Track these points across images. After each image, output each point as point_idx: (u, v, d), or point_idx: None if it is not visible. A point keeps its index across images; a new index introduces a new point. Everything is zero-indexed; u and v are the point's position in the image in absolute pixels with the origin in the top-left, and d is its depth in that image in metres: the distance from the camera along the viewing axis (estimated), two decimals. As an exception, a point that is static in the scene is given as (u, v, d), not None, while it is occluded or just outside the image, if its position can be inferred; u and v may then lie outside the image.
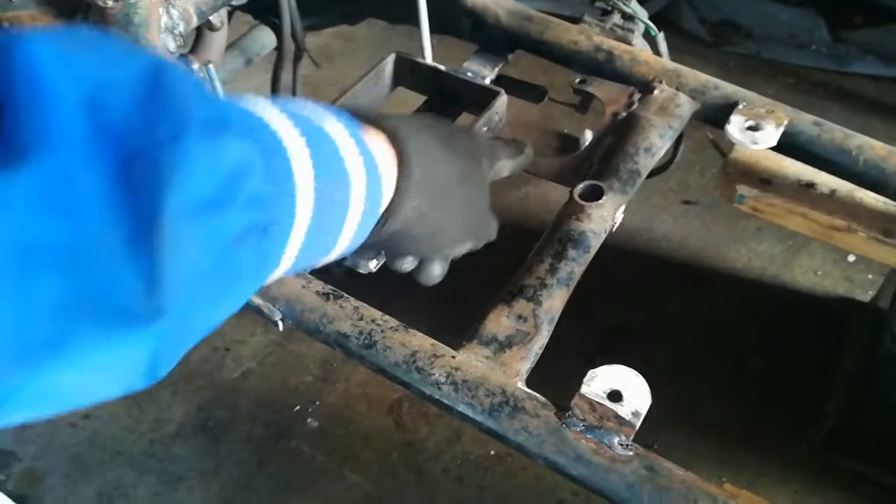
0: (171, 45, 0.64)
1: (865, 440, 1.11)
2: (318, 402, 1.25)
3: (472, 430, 0.73)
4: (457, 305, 1.36)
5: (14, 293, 0.27)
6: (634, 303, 1.35)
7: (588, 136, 1.65)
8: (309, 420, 1.23)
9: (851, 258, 1.40)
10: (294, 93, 1.25)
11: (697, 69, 1.88)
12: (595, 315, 1.30)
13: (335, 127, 0.45)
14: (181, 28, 0.65)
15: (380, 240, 0.51)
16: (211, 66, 0.68)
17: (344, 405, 1.24)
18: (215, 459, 1.21)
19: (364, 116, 0.50)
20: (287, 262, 0.42)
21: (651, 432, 0.63)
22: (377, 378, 0.74)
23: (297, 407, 1.25)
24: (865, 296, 1.34)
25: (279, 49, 1.19)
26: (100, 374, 0.32)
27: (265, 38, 1.17)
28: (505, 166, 0.67)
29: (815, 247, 1.42)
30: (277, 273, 0.42)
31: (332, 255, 0.48)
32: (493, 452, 1.18)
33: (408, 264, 0.60)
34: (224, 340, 1.34)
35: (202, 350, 1.33)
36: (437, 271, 0.62)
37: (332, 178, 0.43)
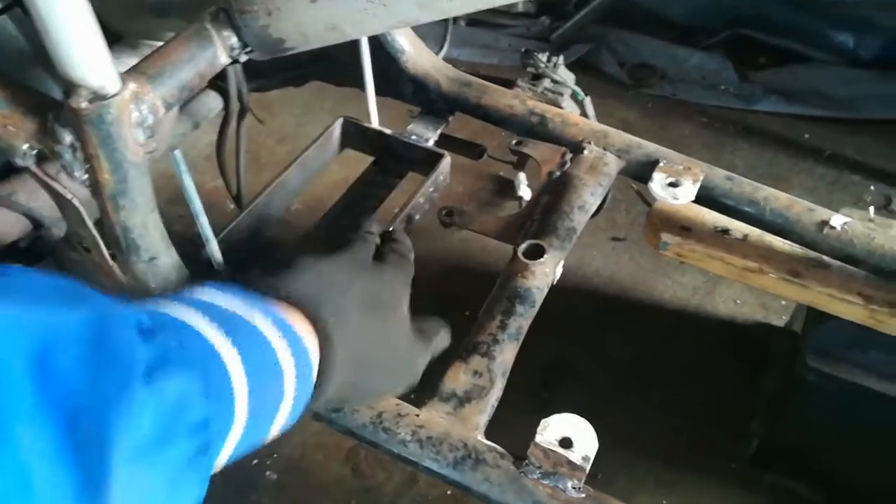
0: (142, 138, 0.68)
1: (788, 457, 1.22)
2: (275, 455, 1.27)
3: (428, 473, 0.77)
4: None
5: None
6: (572, 338, 1.43)
7: (522, 178, 1.74)
8: (268, 473, 1.25)
9: (766, 286, 1.53)
10: (238, 147, 1.29)
11: (619, 111, 2.02)
12: (536, 352, 1.37)
13: (264, 322, 0.47)
14: (150, 121, 0.68)
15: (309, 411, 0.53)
16: (178, 152, 0.72)
17: (301, 456, 1.27)
18: (174, 518, 1.22)
19: (285, 293, 0.51)
20: (222, 461, 0.44)
21: (594, 464, 0.69)
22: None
23: (255, 461, 1.27)
24: (780, 321, 1.46)
25: (225, 111, 1.23)
26: None
27: (212, 102, 1.20)
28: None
29: (727, 277, 1.54)
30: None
31: (265, 441, 0.50)
32: (449, 492, 1.23)
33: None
34: (177, 397, 1.35)
35: (156, 408, 1.33)
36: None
37: (266, 377, 0.46)
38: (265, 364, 0.46)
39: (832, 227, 0.92)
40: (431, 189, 1.03)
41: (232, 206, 1.26)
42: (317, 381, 0.51)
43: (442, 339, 0.69)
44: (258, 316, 0.48)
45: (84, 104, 0.63)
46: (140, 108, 0.67)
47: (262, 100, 1.70)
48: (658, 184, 0.95)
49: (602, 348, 1.43)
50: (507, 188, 1.75)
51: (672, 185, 0.95)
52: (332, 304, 0.53)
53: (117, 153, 0.66)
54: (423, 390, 0.76)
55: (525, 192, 1.73)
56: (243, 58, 0.78)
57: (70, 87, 0.63)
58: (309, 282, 0.54)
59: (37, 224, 0.94)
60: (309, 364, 0.50)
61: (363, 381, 0.57)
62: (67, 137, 0.66)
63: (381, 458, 1.25)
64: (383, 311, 0.60)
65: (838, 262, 0.92)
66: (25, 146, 0.68)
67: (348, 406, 0.65)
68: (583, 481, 0.68)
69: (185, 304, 0.45)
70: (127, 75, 0.67)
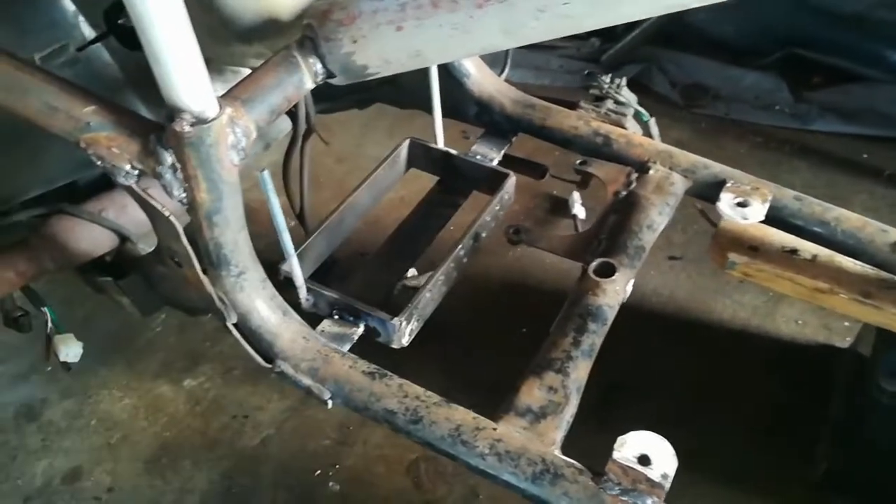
0: (236, 159, 0.72)
1: (858, 480, 1.19)
2: (337, 466, 1.30)
3: (489, 486, 0.76)
4: (464, 359, 1.43)
5: None
6: (632, 357, 1.42)
7: (576, 197, 1.75)
8: (330, 484, 1.28)
9: (828, 306, 1.50)
10: (302, 167, 1.33)
11: (673, 131, 2.01)
12: (596, 371, 1.37)
13: None
14: (243, 143, 0.72)
15: None
16: (266, 172, 0.76)
17: (363, 468, 1.29)
18: (241, 527, 1.25)
19: None
20: None
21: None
22: (394, 439, 0.79)
23: (318, 471, 1.29)
24: (844, 342, 1.43)
25: (294, 132, 1.27)
26: None
27: (281, 124, 1.24)
28: None
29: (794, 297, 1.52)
30: None
31: None
32: (509, 508, 1.23)
33: None
34: (242, 408, 1.38)
35: (221, 418, 1.37)
36: None
37: None
38: None
39: (905, 248, 0.91)
40: (497, 208, 1.05)
41: (293, 223, 1.30)
42: None
43: None
44: None
45: (187, 128, 0.67)
46: (235, 131, 0.70)
47: (321, 121, 1.74)
48: (726, 203, 0.96)
49: (662, 367, 1.42)
50: (560, 206, 1.76)
51: (741, 205, 0.96)
52: None
53: (214, 174, 0.70)
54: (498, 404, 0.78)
55: (579, 211, 1.74)
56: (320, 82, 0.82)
57: (173, 111, 0.67)
58: None
59: (123, 239, 0.99)
60: None
61: None
62: (169, 159, 0.70)
63: (441, 472, 1.26)
64: None
65: (912, 284, 0.91)
66: (128, 166, 0.72)
67: None
68: (662, 499, 0.68)
69: None
70: (223, 100, 0.71)
